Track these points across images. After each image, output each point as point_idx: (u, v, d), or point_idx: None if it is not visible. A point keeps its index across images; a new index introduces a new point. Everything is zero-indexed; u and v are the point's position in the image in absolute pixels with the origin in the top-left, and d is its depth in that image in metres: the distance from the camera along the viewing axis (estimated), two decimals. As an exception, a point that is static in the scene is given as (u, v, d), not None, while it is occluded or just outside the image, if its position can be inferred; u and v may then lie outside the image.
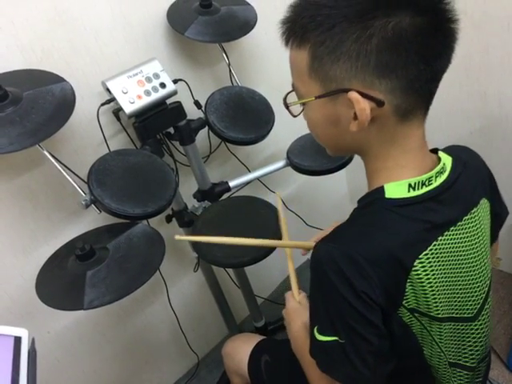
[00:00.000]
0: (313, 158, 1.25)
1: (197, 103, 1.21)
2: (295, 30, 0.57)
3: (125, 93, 1.05)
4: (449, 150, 0.65)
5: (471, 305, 0.64)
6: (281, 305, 1.72)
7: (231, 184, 1.27)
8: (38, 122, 0.84)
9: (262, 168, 1.30)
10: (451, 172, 0.62)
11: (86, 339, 1.30)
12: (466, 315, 0.64)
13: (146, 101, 1.07)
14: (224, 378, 1.48)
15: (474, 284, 0.64)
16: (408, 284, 0.58)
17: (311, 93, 0.58)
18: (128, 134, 1.14)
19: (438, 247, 0.60)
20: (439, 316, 0.62)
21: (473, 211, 0.63)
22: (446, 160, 0.63)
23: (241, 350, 1.01)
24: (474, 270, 0.64)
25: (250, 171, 1.36)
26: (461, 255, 0.62)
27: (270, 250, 0.99)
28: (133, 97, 1.06)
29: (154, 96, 1.08)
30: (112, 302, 0.76)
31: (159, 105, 1.10)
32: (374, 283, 0.56)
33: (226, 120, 1.17)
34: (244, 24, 1.18)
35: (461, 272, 0.62)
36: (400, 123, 0.57)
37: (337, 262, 0.56)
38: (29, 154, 1.04)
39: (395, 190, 0.59)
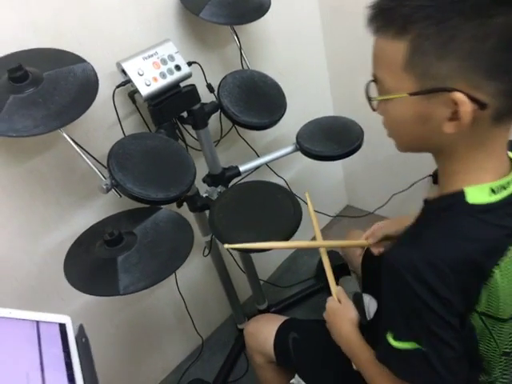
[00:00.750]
0: (323, 143, 1.26)
1: (209, 86, 1.19)
2: (394, 17, 0.52)
3: (141, 75, 1.03)
4: None
5: None
6: (280, 287, 1.76)
7: (241, 169, 1.27)
8: (62, 104, 0.82)
9: (272, 153, 1.30)
10: None
11: (94, 324, 1.29)
12: None
13: (161, 83, 1.05)
14: (229, 360, 1.51)
15: None
16: (484, 290, 0.58)
17: (402, 88, 0.55)
18: (142, 117, 1.12)
19: None
20: (505, 317, 0.62)
21: None
22: None
23: (265, 329, 1.03)
24: None
25: (258, 156, 1.37)
26: None
27: (290, 235, 1.00)
28: (149, 79, 1.03)
29: (170, 78, 1.06)
30: (147, 287, 0.76)
31: (173, 88, 1.08)
32: (455, 289, 0.56)
33: (240, 104, 1.16)
34: (259, 6, 1.17)
35: None
36: (493, 126, 0.55)
37: (418, 268, 0.55)
38: (41, 137, 1.01)
39: (477, 194, 0.58)
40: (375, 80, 0.60)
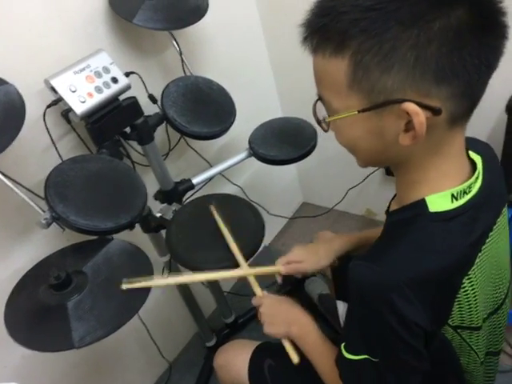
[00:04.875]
0: (277, 147, 1.21)
1: (151, 97, 1.11)
2: (330, 34, 0.49)
3: (73, 91, 0.92)
4: (474, 147, 0.62)
5: (498, 297, 0.64)
6: (245, 296, 1.71)
7: (194, 181, 1.20)
8: (-17, 136, 0.71)
9: (225, 161, 1.23)
10: (484, 174, 0.59)
11: (49, 368, 1.17)
12: (495, 307, 0.64)
13: (98, 99, 0.95)
14: (200, 381, 1.43)
15: (503, 278, 0.64)
16: (455, 303, 0.57)
17: (350, 106, 0.52)
18: (80, 137, 1.02)
19: (482, 258, 0.58)
20: (478, 325, 0.61)
21: (503, 211, 0.62)
22: (477, 161, 0.60)
23: (237, 360, 0.95)
24: (504, 267, 0.64)
25: (210, 165, 1.29)
26: (496, 257, 0.61)
27: (254, 252, 0.95)
28: (83, 95, 0.93)
29: (107, 93, 0.97)
30: (107, 335, 0.67)
31: (112, 102, 0.99)
32: (423, 309, 0.53)
33: (187, 114, 1.09)
34: (196, 8, 1.09)
35: (495, 273, 0.62)
36: (448, 130, 0.53)
37: (384, 289, 0.53)
38: (-37, 170, 0.88)
39: (438, 202, 0.55)
40: (321, 99, 0.56)
